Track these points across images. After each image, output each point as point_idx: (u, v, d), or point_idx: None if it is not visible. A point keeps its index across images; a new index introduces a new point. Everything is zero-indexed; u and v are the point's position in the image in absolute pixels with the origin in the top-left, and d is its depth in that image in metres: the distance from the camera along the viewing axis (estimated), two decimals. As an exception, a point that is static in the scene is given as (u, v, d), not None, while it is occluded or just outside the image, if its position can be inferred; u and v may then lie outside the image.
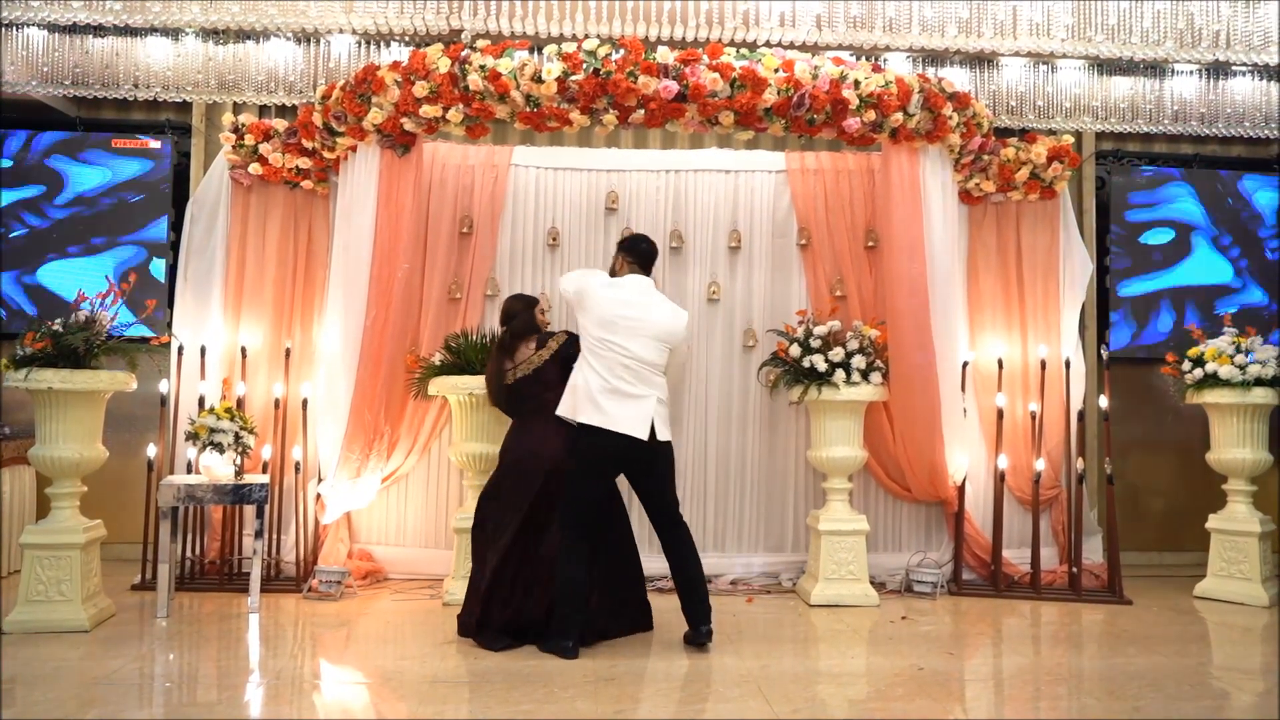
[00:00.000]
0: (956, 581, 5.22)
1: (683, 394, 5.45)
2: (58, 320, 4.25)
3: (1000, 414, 5.37)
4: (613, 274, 4.29)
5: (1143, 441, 6.05)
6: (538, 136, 5.47)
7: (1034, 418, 5.40)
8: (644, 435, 3.97)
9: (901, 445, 5.30)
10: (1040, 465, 5.26)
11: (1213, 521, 5.17)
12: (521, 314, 4.40)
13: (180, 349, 5.25)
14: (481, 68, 4.64)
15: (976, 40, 5.26)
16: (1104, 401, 5.36)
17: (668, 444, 4.10)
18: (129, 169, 5.59)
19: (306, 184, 5.35)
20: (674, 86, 4.59)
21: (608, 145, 5.59)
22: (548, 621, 4.01)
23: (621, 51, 4.63)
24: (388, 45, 5.43)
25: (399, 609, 4.73)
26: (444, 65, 4.65)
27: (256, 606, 4.57)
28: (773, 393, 5.37)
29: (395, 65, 4.74)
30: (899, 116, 4.75)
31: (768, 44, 5.19)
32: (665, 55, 4.60)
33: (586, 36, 4.96)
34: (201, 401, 5.16)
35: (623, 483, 4.26)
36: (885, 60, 5.41)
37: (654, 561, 4.61)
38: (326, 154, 5.13)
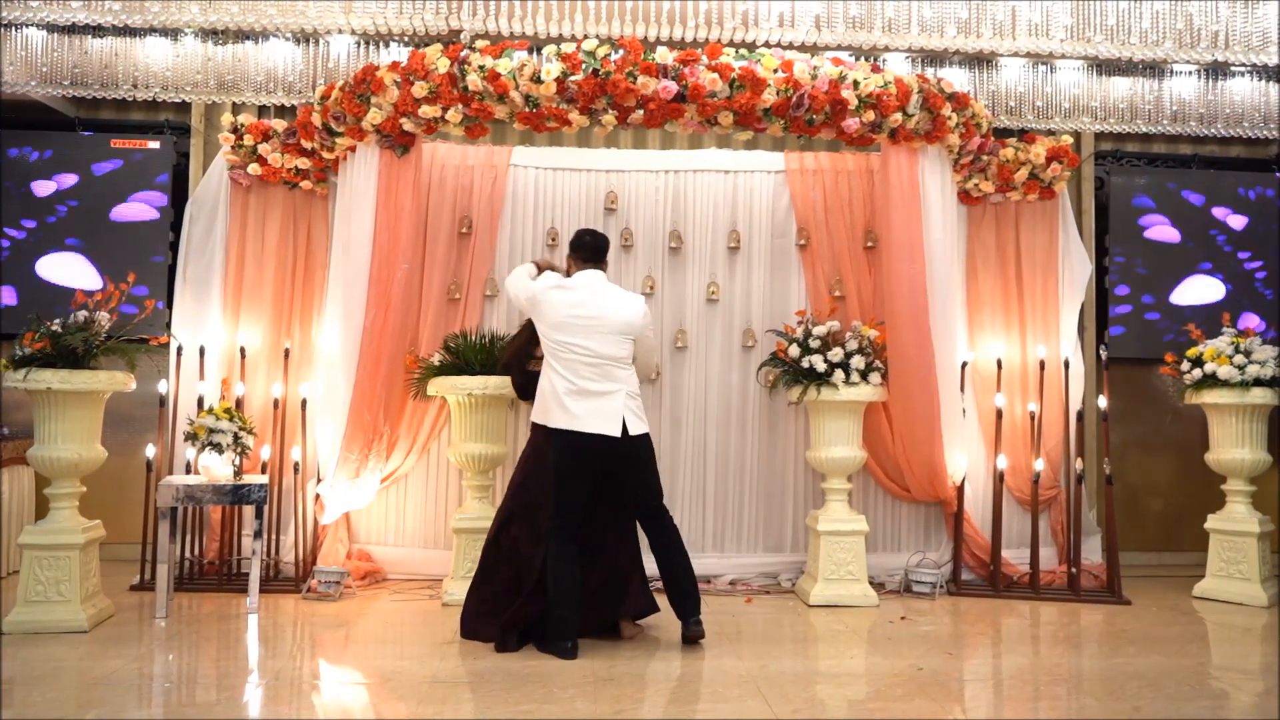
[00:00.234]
0: (955, 582, 5.22)
1: (680, 391, 5.45)
2: (56, 320, 4.25)
3: (999, 414, 5.37)
4: (568, 275, 4.23)
5: (1142, 442, 6.05)
6: (537, 137, 5.47)
7: (1033, 418, 5.40)
8: (616, 433, 3.96)
9: (900, 445, 5.30)
10: (1039, 465, 5.26)
11: (1212, 522, 5.17)
12: None
13: (179, 349, 5.25)
14: (480, 68, 4.64)
15: (975, 41, 5.26)
16: (1103, 402, 5.37)
17: (644, 436, 4.08)
18: (128, 169, 5.58)
19: (305, 184, 5.35)
20: (673, 87, 4.59)
21: (607, 145, 5.59)
22: (546, 622, 4.00)
23: (620, 52, 4.63)
24: (387, 45, 5.43)
25: (398, 609, 4.73)
26: (443, 66, 4.65)
27: (255, 607, 4.57)
28: (772, 393, 5.38)
29: (394, 65, 4.74)
30: (898, 117, 4.75)
31: (767, 44, 5.19)
32: (664, 56, 4.60)
33: (585, 37, 4.96)
34: (200, 402, 5.16)
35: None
36: (884, 60, 5.41)
37: (653, 561, 4.59)
38: (325, 154, 5.13)
